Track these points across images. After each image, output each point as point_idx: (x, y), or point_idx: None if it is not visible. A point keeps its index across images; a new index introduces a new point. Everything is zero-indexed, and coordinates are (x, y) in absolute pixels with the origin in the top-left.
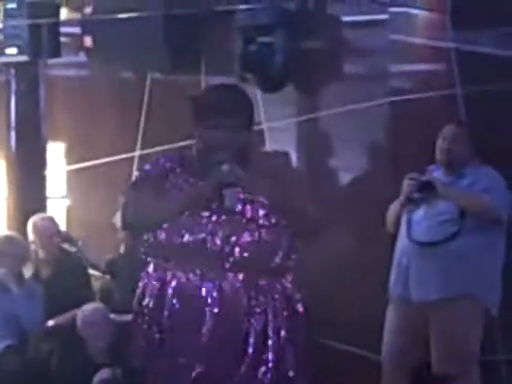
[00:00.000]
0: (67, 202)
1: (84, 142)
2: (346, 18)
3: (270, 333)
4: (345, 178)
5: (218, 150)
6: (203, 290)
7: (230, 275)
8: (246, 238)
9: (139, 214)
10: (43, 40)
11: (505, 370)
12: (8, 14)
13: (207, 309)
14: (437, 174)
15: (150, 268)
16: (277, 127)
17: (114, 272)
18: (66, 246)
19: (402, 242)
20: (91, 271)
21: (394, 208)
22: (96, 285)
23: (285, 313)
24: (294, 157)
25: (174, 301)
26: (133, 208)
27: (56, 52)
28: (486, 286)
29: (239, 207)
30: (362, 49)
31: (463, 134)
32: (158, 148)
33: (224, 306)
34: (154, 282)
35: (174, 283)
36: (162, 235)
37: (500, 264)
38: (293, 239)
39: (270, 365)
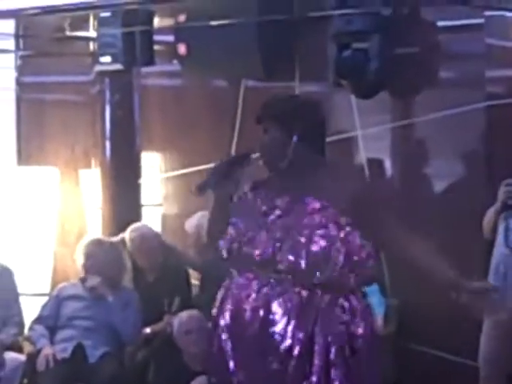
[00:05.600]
0: (162, 210)
1: (178, 150)
2: (440, 23)
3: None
4: (440, 185)
5: (260, 154)
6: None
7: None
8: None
9: None
10: (137, 48)
11: None
12: (102, 22)
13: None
14: None
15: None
16: (371, 134)
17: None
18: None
19: (499, 249)
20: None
21: (490, 215)
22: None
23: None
24: (387, 163)
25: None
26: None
27: (150, 60)
28: None
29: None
30: (458, 54)
31: None
32: (252, 155)
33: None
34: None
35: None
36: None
37: None
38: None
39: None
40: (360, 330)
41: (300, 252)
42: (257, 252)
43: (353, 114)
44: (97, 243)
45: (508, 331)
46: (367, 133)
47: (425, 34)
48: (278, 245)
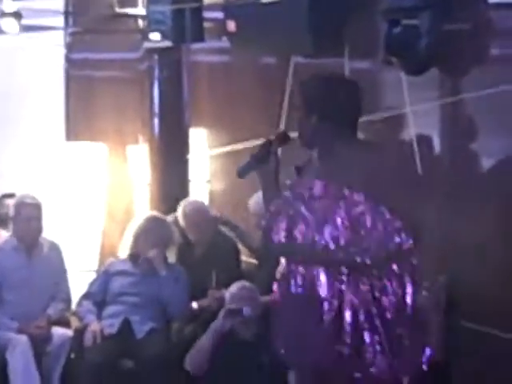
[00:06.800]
0: (210, 187)
1: (226, 126)
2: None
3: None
4: (488, 162)
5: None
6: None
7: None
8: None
9: None
10: (186, 25)
11: None
12: None
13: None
14: None
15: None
16: (421, 110)
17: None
18: (223, 229)
19: None
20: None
21: None
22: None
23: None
24: (436, 140)
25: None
26: None
27: (199, 37)
28: None
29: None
30: (508, 30)
31: None
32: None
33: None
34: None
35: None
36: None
37: None
38: None
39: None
40: (387, 301)
41: (337, 235)
42: (301, 238)
43: (402, 90)
44: (151, 219)
45: None
46: (417, 109)
47: (476, 10)
48: (319, 230)
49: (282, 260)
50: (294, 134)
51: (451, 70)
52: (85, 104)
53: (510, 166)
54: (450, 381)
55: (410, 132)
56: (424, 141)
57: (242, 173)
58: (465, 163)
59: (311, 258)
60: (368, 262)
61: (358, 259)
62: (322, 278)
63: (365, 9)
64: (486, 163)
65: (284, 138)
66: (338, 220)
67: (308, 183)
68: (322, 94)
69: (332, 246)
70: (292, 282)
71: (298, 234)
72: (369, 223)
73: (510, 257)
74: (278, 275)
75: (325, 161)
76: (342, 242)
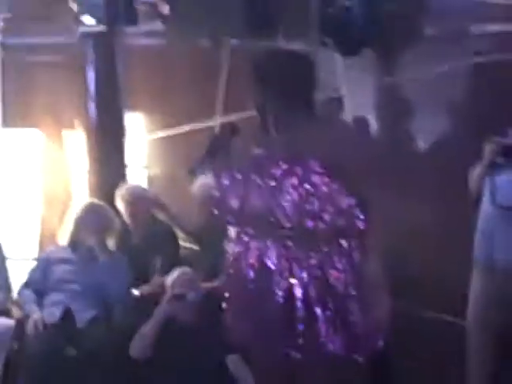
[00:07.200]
0: (148, 172)
1: (163, 110)
2: None
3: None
4: (425, 142)
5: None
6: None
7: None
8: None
9: None
10: (120, 8)
11: None
12: None
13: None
14: None
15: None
16: (356, 92)
17: (200, 240)
18: (157, 213)
19: (485, 207)
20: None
21: (476, 173)
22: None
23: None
24: (372, 121)
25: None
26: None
27: (132, 20)
28: None
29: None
30: (442, 10)
31: None
32: (236, 115)
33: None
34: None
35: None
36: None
37: None
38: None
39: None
40: (337, 276)
41: (289, 205)
42: (256, 211)
43: (337, 72)
44: (90, 206)
45: (496, 289)
46: (352, 91)
47: None
48: (273, 203)
49: (230, 242)
50: (230, 118)
51: (386, 51)
52: (20, 90)
53: (445, 146)
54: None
55: (346, 113)
56: (360, 122)
57: (195, 171)
58: (400, 143)
59: (262, 228)
60: (318, 231)
61: (308, 229)
62: (272, 252)
63: None
64: (423, 143)
65: (233, 130)
66: (291, 189)
67: (263, 155)
68: (279, 68)
69: (283, 214)
70: (243, 259)
71: (250, 202)
72: (322, 195)
73: (448, 237)
74: (228, 254)
75: (282, 134)
76: (294, 210)
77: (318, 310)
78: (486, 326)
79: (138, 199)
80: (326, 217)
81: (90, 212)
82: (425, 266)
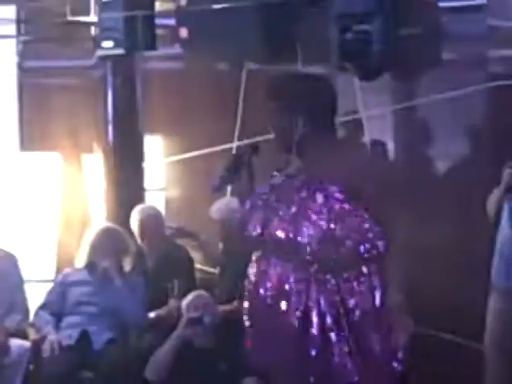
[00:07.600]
0: (165, 194)
1: (181, 134)
2: (442, 4)
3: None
4: (443, 166)
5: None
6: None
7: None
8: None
9: None
10: (139, 32)
11: None
12: (103, 7)
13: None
14: None
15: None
16: (374, 115)
17: (221, 263)
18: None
19: (503, 231)
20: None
21: (494, 197)
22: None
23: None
24: (391, 145)
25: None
26: None
27: (152, 44)
28: None
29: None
30: (460, 35)
31: None
32: (254, 139)
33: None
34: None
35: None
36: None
37: None
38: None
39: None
40: (354, 303)
41: (311, 233)
42: (277, 236)
43: (356, 96)
44: (106, 230)
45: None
46: (371, 114)
47: (427, 15)
48: (294, 228)
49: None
50: (248, 141)
51: (404, 75)
52: (38, 113)
53: (463, 171)
54: None
55: (365, 137)
56: (378, 146)
57: (217, 188)
58: (418, 168)
59: (282, 253)
60: (339, 257)
61: (329, 255)
62: (291, 276)
63: (316, 14)
64: (440, 168)
65: (254, 148)
66: (312, 215)
67: (284, 180)
68: (305, 93)
69: (303, 240)
70: (262, 282)
71: (272, 228)
72: (343, 221)
73: (466, 259)
74: (247, 278)
75: (303, 158)
76: (314, 236)
77: (333, 336)
78: (503, 350)
79: (153, 221)
80: (348, 243)
81: (104, 236)
82: (443, 289)
